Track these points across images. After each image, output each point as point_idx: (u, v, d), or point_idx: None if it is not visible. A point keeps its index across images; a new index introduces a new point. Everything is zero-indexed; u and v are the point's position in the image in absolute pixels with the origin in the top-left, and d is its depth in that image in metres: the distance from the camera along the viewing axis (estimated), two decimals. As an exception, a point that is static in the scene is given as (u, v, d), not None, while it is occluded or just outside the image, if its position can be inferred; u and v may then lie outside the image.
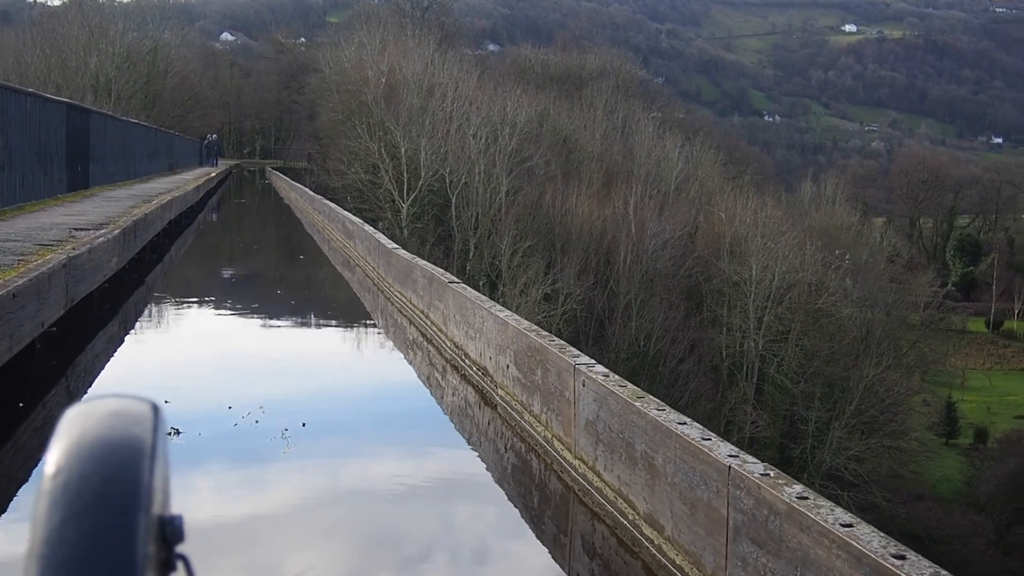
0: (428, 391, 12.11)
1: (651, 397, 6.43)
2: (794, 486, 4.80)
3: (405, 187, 60.83)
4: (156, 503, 1.08)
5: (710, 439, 5.53)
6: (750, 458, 5.18)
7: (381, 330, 16.96)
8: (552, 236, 61.43)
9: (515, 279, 55.58)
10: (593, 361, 7.63)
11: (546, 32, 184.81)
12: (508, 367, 9.40)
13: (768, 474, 4.90)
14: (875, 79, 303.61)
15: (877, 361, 61.44)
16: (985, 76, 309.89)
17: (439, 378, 12.29)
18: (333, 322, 18.18)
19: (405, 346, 14.88)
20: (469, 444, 9.60)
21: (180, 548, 1.08)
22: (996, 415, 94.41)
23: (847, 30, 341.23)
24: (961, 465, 79.80)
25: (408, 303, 15.91)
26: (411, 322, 15.27)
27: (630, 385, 6.79)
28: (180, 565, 1.10)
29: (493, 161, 61.73)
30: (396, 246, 18.64)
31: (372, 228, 23.25)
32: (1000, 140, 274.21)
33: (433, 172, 60.92)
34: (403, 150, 60.71)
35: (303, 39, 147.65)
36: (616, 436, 6.51)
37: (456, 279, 12.80)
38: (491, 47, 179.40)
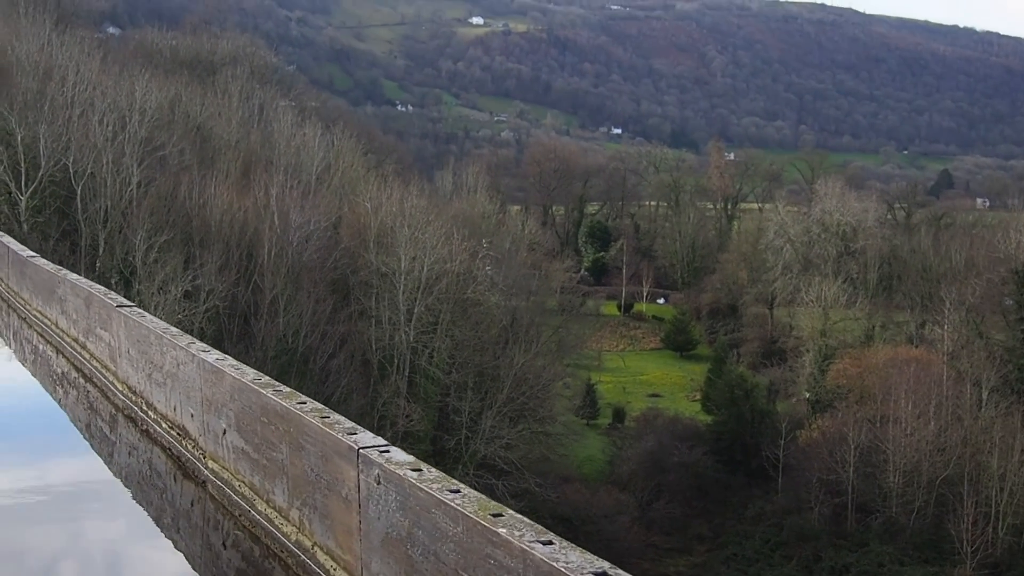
0: (88, 443, 9.74)
1: (512, 513, 4.12)
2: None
3: (23, 178, 55.26)
4: None
5: None
6: None
7: (15, 358, 14.07)
8: (190, 229, 57.95)
9: (152, 276, 51.84)
10: (384, 442, 5.18)
11: (170, 16, 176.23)
12: (225, 432, 7.07)
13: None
14: (502, 71, 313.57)
15: (525, 348, 62.47)
16: (604, 70, 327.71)
17: (105, 429, 9.85)
18: None
19: (52, 382, 12.17)
20: (161, 529, 7.45)
21: None
22: (631, 394, 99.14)
23: (474, 23, 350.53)
24: (603, 445, 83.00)
25: (53, 326, 13.03)
26: (59, 352, 12.50)
27: (468, 491, 4.34)
28: None
29: (122, 150, 57.48)
30: (33, 253, 15.49)
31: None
32: (619, 131, 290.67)
33: (55, 162, 55.83)
34: (19, 137, 55.10)
35: None
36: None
37: (129, 303, 10.18)
38: (111, 30, 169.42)
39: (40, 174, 55.21)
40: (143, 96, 61.73)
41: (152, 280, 51.54)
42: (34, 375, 12.88)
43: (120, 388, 9.86)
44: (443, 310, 60.19)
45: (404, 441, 51.52)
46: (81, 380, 11.23)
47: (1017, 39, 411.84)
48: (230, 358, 7.30)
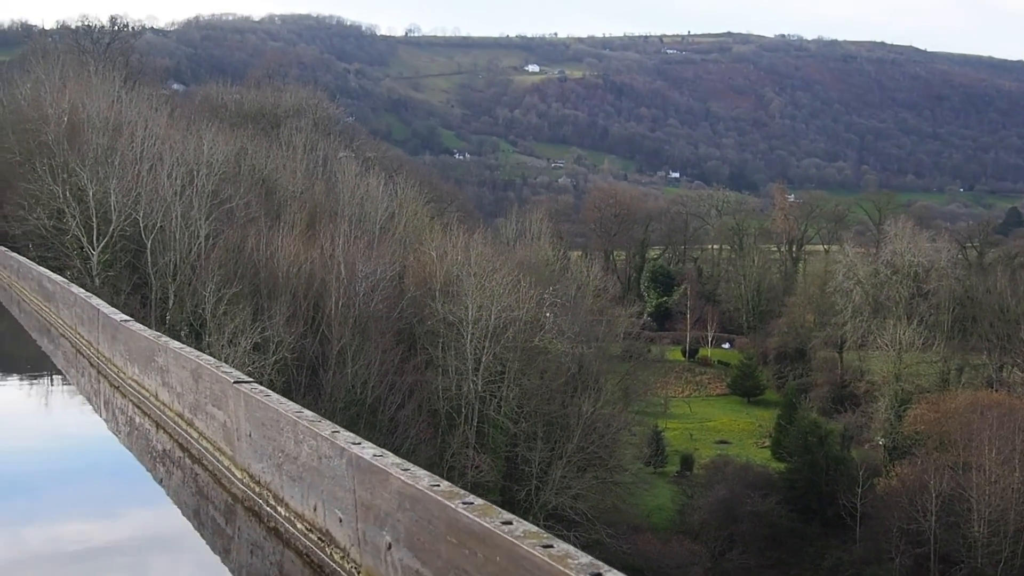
0: (197, 532, 8.82)
1: None
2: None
3: (95, 232, 55.64)
4: None
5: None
6: None
7: (111, 429, 12.97)
8: (258, 281, 57.89)
9: (221, 328, 51.73)
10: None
11: (232, 72, 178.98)
12: (391, 548, 5.84)
13: None
14: (559, 117, 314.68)
15: (594, 397, 61.64)
16: (660, 114, 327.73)
17: (219, 520, 8.83)
18: (33, 410, 14.51)
19: (151, 459, 11.15)
20: None
21: None
22: (698, 441, 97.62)
23: (530, 70, 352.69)
24: (672, 493, 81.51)
25: (152, 397, 11.99)
26: (160, 426, 11.42)
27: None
28: None
29: (190, 203, 57.73)
30: (127, 317, 14.56)
31: (83, 291, 18.39)
32: (677, 174, 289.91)
33: (125, 216, 56.11)
34: (91, 193, 55.51)
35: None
36: None
37: (247, 378, 9.05)
38: (176, 86, 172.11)
39: (111, 228, 55.60)
40: (210, 149, 62.12)
41: (222, 332, 51.45)
42: (129, 449, 11.95)
43: (239, 475, 8.78)
44: (510, 359, 59.52)
45: (474, 491, 50.78)
46: (187, 460, 10.18)
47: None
48: (390, 454, 6.21)
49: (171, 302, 55.74)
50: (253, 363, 50.09)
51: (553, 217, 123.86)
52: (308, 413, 7.55)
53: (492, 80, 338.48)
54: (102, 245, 55.38)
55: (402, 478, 5.72)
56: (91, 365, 15.91)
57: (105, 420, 13.66)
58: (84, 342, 16.81)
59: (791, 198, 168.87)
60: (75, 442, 11.95)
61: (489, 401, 59.75)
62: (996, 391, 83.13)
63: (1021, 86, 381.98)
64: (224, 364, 9.99)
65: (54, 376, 15.29)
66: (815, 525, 76.93)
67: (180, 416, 10.81)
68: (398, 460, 6.08)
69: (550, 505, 59.04)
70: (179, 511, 9.44)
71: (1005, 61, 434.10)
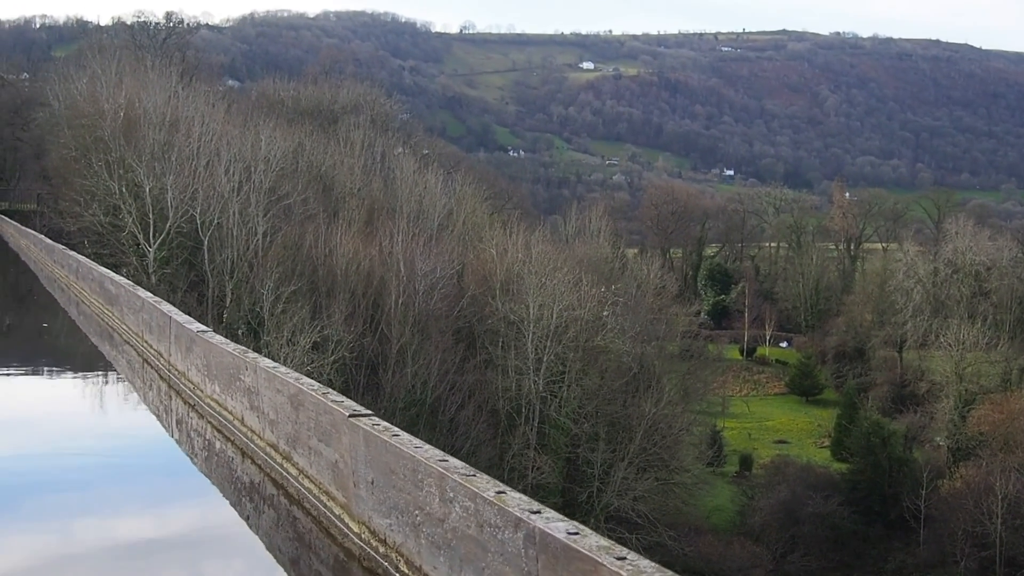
0: None
1: None
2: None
3: (151, 229, 55.06)
4: None
5: None
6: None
7: (186, 451, 11.60)
8: (316, 279, 57.16)
9: (280, 327, 50.94)
10: None
11: (287, 68, 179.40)
12: None
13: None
14: (613, 115, 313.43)
15: (657, 398, 60.46)
16: (715, 111, 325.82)
17: None
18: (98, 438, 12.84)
19: (235, 491, 9.75)
20: None
21: None
22: (757, 441, 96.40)
23: (585, 67, 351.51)
24: (732, 494, 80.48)
25: (237, 421, 10.44)
26: (247, 455, 9.88)
27: None
28: None
29: (248, 199, 57.06)
30: (205, 328, 13.14)
31: (151, 295, 17.21)
32: (731, 172, 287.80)
33: (182, 212, 55.54)
34: (147, 189, 54.90)
35: (26, 74, 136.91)
36: None
37: (366, 410, 7.76)
38: (231, 83, 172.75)
39: (168, 225, 55.03)
40: (267, 145, 61.53)
41: (280, 331, 50.70)
42: (208, 476, 10.52)
43: (354, 528, 7.35)
44: (572, 358, 58.41)
45: (536, 494, 49.83)
46: (283, 500, 8.74)
47: None
48: (588, 531, 4.73)
49: (228, 300, 55.18)
50: (312, 362, 49.32)
51: (610, 215, 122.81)
52: (455, 462, 6.15)
53: (547, 77, 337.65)
54: (159, 242, 54.85)
55: (613, 569, 4.25)
56: (160, 378, 14.70)
57: (178, 441, 12.46)
58: (153, 352, 15.57)
59: (848, 196, 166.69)
60: (146, 460, 10.89)
61: (550, 401, 58.68)
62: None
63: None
64: (333, 392, 8.50)
65: (118, 384, 14.31)
66: (878, 527, 75.71)
67: (273, 447, 9.34)
68: (605, 542, 4.65)
69: (612, 507, 57.99)
70: (271, 557, 8.21)
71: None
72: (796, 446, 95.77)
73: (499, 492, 5.35)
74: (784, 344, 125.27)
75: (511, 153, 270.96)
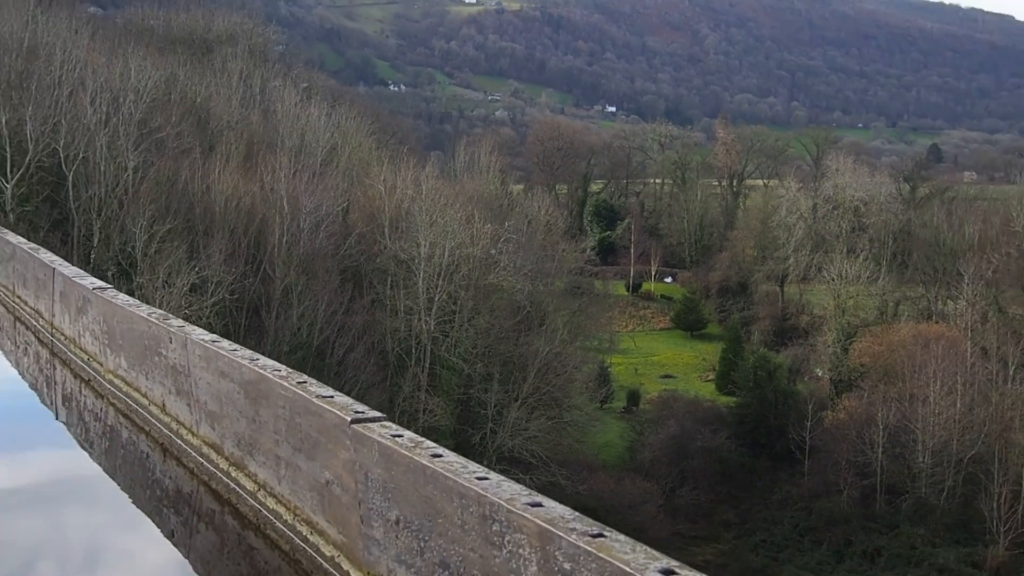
0: None
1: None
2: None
3: (8, 164, 51.24)
4: None
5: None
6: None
7: (82, 444, 9.09)
8: (193, 217, 54.12)
9: (154, 268, 48.01)
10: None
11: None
12: None
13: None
14: (496, 50, 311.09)
15: (550, 336, 59.11)
16: (598, 48, 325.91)
17: None
18: None
19: (157, 502, 7.63)
20: None
21: None
22: (644, 376, 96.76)
23: (468, 1, 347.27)
24: (621, 430, 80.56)
25: (156, 409, 8.26)
26: (171, 453, 7.71)
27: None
28: None
29: (116, 132, 53.70)
30: (102, 284, 10.48)
31: (27, 241, 13.60)
32: (613, 108, 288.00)
33: (43, 146, 51.96)
34: (3, 120, 51.07)
35: None
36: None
37: (376, 413, 5.65)
38: (92, 9, 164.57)
39: (27, 159, 51.35)
40: (137, 75, 58.08)
41: (155, 272, 47.75)
42: (113, 478, 8.20)
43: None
44: (464, 297, 56.61)
45: (427, 436, 48.16)
46: (231, 521, 6.55)
47: (1000, 15, 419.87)
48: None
49: (96, 240, 51.78)
50: (190, 305, 46.71)
51: (496, 150, 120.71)
52: (560, 509, 4.03)
53: (428, 10, 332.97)
54: (17, 177, 51.07)
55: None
56: (40, 342, 12.04)
57: (67, 424, 9.92)
58: (29, 310, 12.74)
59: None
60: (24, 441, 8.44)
61: (442, 342, 56.97)
62: (937, 323, 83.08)
63: (943, 27, 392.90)
64: (312, 381, 6.10)
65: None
66: (764, 459, 76.97)
67: (214, 448, 7.00)
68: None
69: (505, 447, 56.74)
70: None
71: (928, 3, 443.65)
72: (682, 380, 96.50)
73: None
74: (669, 279, 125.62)
75: (392, 88, 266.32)
